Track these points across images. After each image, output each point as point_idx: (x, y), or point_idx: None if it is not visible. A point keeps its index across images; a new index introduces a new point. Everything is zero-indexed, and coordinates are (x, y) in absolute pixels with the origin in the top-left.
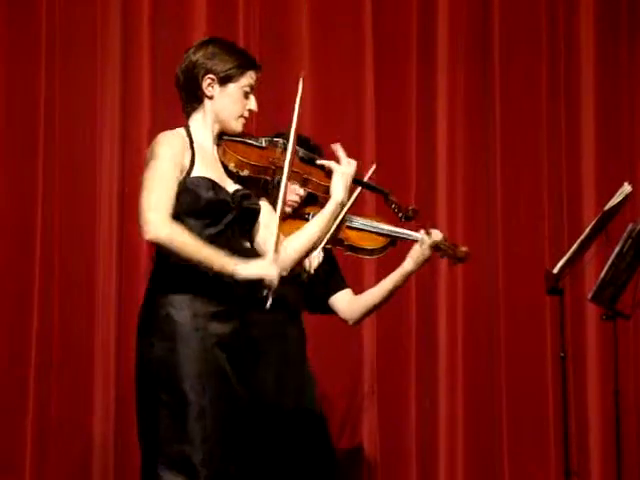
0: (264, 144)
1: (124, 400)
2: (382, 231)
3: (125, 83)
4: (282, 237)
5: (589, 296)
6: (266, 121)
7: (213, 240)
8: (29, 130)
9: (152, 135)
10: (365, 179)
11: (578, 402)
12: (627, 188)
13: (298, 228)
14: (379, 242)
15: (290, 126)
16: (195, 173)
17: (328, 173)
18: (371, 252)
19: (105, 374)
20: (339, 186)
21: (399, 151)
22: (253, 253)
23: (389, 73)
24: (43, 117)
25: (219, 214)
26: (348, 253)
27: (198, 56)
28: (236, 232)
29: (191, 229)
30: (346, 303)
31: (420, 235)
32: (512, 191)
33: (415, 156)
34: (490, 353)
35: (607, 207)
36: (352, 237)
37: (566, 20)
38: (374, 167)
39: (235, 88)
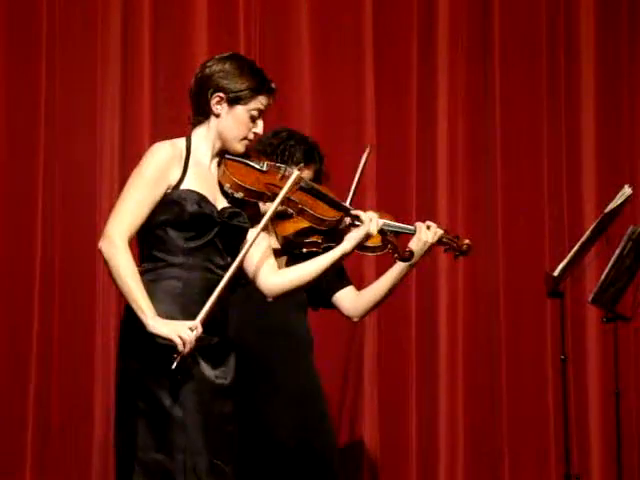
0: (265, 168)
1: None
2: (388, 227)
3: (125, 84)
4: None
5: (589, 299)
6: (266, 122)
7: (194, 253)
8: (29, 131)
9: (152, 136)
10: (361, 163)
11: (578, 404)
12: (627, 191)
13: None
14: (381, 239)
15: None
16: (184, 186)
17: (331, 205)
18: (374, 249)
19: (105, 377)
20: (355, 240)
21: (399, 151)
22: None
23: (389, 72)
24: (44, 119)
25: (203, 228)
26: (356, 252)
27: (213, 70)
28: (219, 248)
29: (174, 241)
30: (350, 300)
31: (417, 228)
32: (512, 193)
33: (415, 158)
34: (491, 355)
35: (607, 209)
36: None
37: (566, 21)
38: (368, 150)
39: (242, 110)
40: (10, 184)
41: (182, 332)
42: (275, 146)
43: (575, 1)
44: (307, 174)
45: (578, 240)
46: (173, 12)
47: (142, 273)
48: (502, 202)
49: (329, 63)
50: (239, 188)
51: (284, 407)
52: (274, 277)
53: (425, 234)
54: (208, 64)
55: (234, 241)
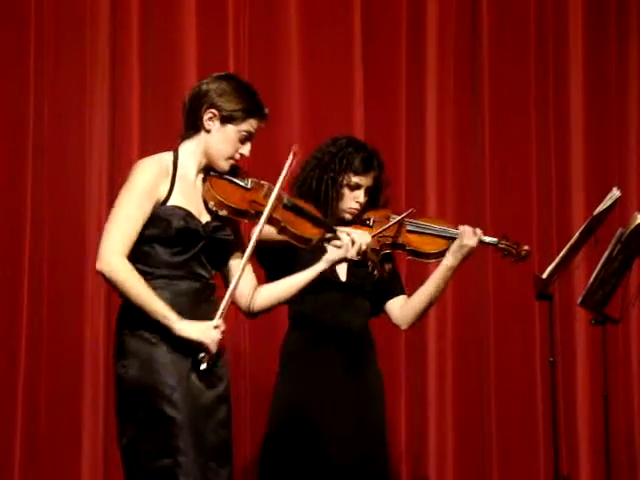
0: (250, 185)
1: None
2: (442, 233)
3: (114, 91)
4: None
5: (578, 301)
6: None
7: (179, 266)
8: (18, 137)
9: (141, 143)
10: (400, 217)
11: (567, 406)
12: (616, 193)
13: None
14: (440, 245)
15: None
16: (171, 202)
17: (313, 223)
18: (429, 256)
19: (94, 381)
20: (330, 262)
21: (388, 148)
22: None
23: (378, 70)
24: (32, 126)
25: (189, 243)
26: (410, 258)
27: (210, 88)
28: (203, 261)
29: (160, 255)
30: (399, 308)
31: (460, 231)
32: (500, 196)
33: (404, 156)
34: (480, 358)
35: (596, 212)
36: (414, 242)
37: (555, 16)
38: (411, 210)
39: (233, 130)
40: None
41: (210, 333)
42: (334, 154)
43: None
44: (366, 182)
45: (567, 242)
46: (161, 19)
47: None
48: (490, 204)
49: (318, 60)
50: (223, 206)
51: (352, 409)
52: (255, 296)
53: (468, 237)
54: (205, 81)
55: (219, 254)
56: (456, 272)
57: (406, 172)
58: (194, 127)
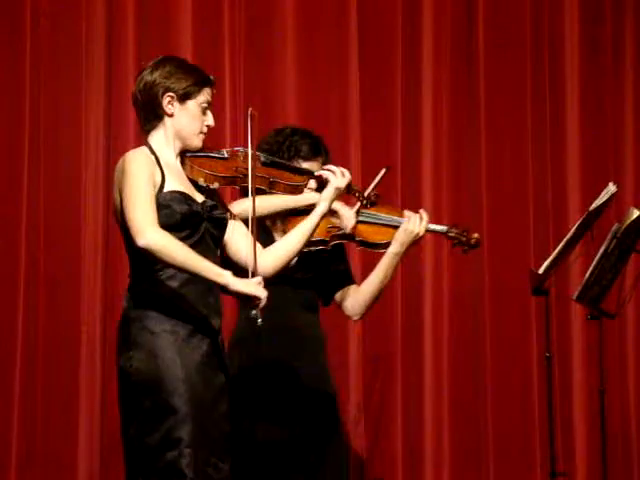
0: (226, 155)
1: (111, 403)
2: (391, 222)
3: (110, 93)
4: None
5: (574, 296)
6: (253, 121)
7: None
8: (14, 141)
9: (138, 144)
10: (376, 180)
11: (564, 402)
12: (612, 188)
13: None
14: (390, 234)
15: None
16: (167, 188)
17: (295, 172)
18: (378, 246)
19: (90, 375)
20: (328, 199)
21: (384, 150)
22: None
23: (374, 71)
24: (28, 121)
25: (194, 225)
26: (361, 248)
27: (155, 76)
28: (209, 243)
29: None
30: (349, 298)
31: (407, 217)
32: (497, 191)
33: (400, 156)
34: (476, 354)
35: (592, 207)
36: (363, 232)
37: (551, 18)
38: (384, 170)
39: (194, 105)
40: None
41: (260, 288)
42: (281, 143)
43: None
44: (316, 167)
45: (563, 238)
46: (158, 18)
47: (140, 281)
48: (487, 201)
49: (314, 62)
50: (214, 179)
51: (293, 406)
52: (263, 258)
53: (413, 224)
54: (146, 72)
55: (218, 233)
56: (402, 258)
57: (402, 173)
58: (155, 117)
